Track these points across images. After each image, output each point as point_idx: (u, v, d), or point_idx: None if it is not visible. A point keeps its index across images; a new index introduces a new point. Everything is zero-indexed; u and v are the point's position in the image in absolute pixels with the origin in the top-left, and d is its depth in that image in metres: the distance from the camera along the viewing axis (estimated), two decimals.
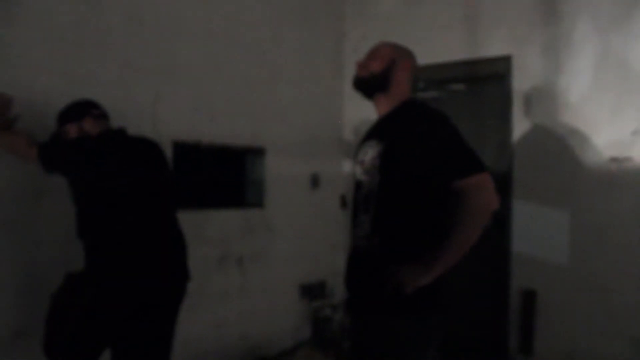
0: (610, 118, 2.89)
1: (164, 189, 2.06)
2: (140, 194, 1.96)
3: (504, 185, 3.05)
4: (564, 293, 2.98)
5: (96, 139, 1.98)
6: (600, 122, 2.91)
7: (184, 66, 2.78)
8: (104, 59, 2.42)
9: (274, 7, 3.33)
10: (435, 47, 3.32)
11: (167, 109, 2.69)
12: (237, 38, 3.08)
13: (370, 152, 1.60)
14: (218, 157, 3.08)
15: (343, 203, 3.81)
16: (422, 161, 1.51)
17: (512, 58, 3.19)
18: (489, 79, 3.37)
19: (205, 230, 2.88)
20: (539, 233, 3.06)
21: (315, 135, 3.63)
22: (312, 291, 3.54)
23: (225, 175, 3.19)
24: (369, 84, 1.71)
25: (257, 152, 3.26)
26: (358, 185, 1.66)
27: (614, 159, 2.88)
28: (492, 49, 3.27)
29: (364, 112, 3.77)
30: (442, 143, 1.50)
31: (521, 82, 3.16)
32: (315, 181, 3.62)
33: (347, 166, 3.80)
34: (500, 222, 3.14)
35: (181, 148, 2.77)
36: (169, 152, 2.64)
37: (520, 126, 3.17)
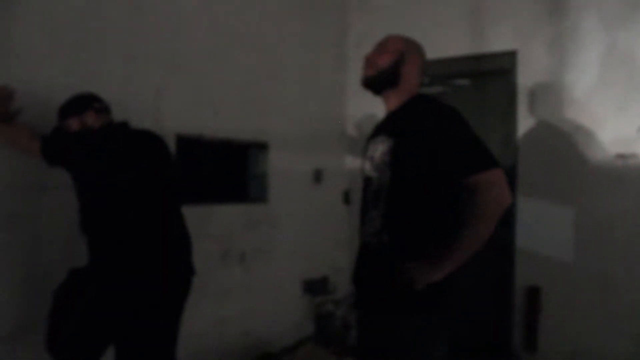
0: (616, 114, 2.87)
1: (168, 183, 2.03)
2: (144, 189, 1.93)
3: (508, 181, 3.02)
4: (568, 290, 2.97)
5: (99, 133, 1.96)
6: (605, 118, 2.90)
7: (187, 59, 2.74)
8: (106, 52, 2.38)
9: (277, 0, 3.29)
10: (440, 42, 3.28)
11: (170, 103, 2.65)
12: (240, 31, 3.05)
13: (380, 148, 1.58)
14: (221, 152, 3.05)
15: (346, 199, 3.79)
16: (433, 157, 1.48)
17: (517, 53, 3.16)
18: (493, 74, 3.35)
19: (208, 225, 2.85)
20: (543, 230, 3.05)
21: (318, 129, 3.60)
22: (315, 287, 3.52)
23: (228, 169, 3.16)
24: (378, 81, 1.68)
25: (260, 147, 3.23)
26: (367, 181, 1.63)
27: (620, 156, 2.86)
28: (497, 43, 3.24)
29: (367, 106, 3.75)
30: (454, 138, 1.48)
31: (526, 77, 3.14)
32: (318, 176, 3.59)
33: (350, 161, 3.78)
34: (505, 219, 3.11)
35: (184, 142, 2.74)
36: (172, 146, 2.61)
37: (525, 122, 3.15)
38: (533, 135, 3.12)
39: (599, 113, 2.91)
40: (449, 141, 1.48)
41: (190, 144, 2.78)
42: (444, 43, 3.31)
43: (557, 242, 3.01)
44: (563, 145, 3.01)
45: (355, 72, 3.77)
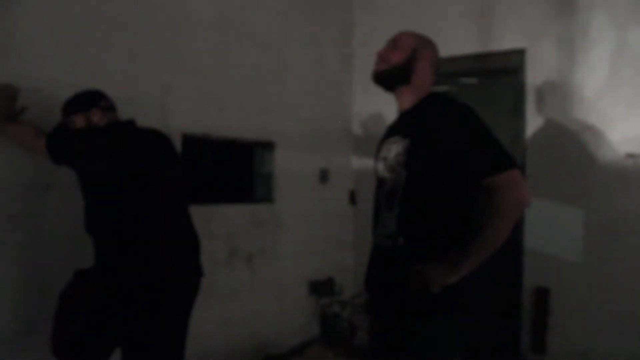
0: (626, 113, 2.84)
1: (174, 182, 2.00)
2: (150, 188, 1.90)
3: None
4: (577, 291, 2.93)
5: (105, 130, 1.92)
6: (615, 118, 2.86)
7: (193, 57, 2.72)
8: (112, 50, 2.35)
9: None
10: (447, 40, 3.20)
11: (176, 101, 2.63)
12: (246, 30, 3.02)
13: (395, 149, 1.54)
14: (226, 151, 3.02)
15: (352, 199, 3.76)
16: (451, 157, 1.45)
17: (526, 51, 3.12)
18: (501, 72, 3.31)
19: (214, 225, 2.83)
20: (552, 230, 3.01)
21: (324, 129, 3.58)
22: (321, 288, 3.49)
23: (233, 169, 3.13)
24: (390, 76, 1.64)
25: (266, 146, 3.20)
26: (380, 182, 1.60)
27: (630, 155, 2.82)
28: (506, 42, 3.20)
29: (373, 105, 3.71)
30: (472, 138, 1.45)
31: (535, 76, 3.10)
32: (324, 176, 3.56)
33: (356, 161, 3.75)
34: None
35: (190, 141, 2.71)
36: (178, 144, 2.58)
37: (533, 121, 3.12)
38: (541, 134, 3.09)
39: (609, 112, 2.88)
40: (467, 141, 1.45)
41: (196, 143, 2.75)
42: (451, 41, 3.25)
43: (566, 242, 2.98)
44: (572, 144, 2.97)
45: (360, 70, 3.79)
